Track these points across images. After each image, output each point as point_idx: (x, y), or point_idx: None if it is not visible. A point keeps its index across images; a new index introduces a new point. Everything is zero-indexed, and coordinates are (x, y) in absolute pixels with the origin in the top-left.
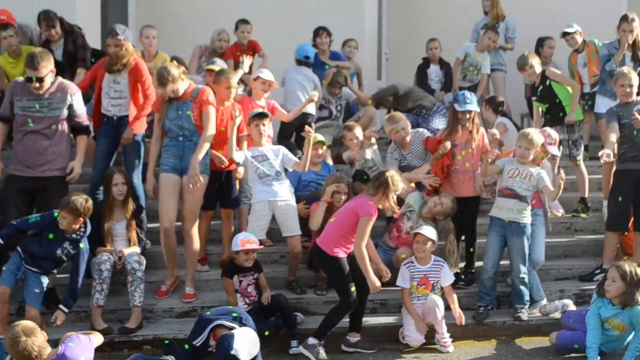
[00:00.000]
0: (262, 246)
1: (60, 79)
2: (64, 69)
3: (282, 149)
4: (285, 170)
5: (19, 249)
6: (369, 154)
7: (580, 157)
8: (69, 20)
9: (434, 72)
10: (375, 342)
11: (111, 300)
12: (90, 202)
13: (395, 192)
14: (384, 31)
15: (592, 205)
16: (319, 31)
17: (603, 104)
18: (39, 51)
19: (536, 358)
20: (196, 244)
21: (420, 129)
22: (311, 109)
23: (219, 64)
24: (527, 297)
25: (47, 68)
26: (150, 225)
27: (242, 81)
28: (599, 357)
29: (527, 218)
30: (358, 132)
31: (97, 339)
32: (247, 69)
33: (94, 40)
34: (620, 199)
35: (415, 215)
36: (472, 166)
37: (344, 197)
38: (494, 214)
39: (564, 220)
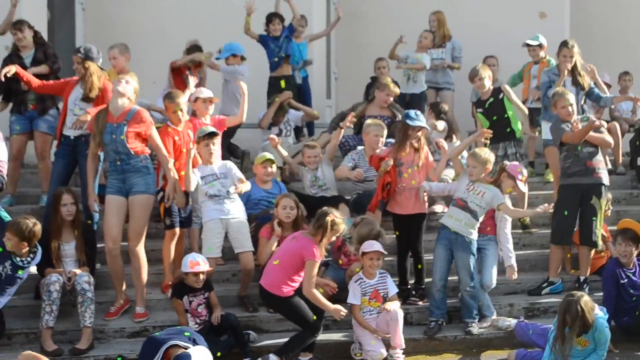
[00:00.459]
0: (211, 268)
1: None
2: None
3: (230, 165)
4: None
5: None
6: (320, 171)
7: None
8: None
9: None
10: (327, 359)
11: (61, 321)
12: (39, 226)
13: (335, 235)
14: (332, 51)
15: (540, 220)
16: (272, 18)
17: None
18: None
19: None
20: (143, 263)
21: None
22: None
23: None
24: (476, 311)
25: None
26: (100, 245)
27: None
28: None
29: (473, 235)
30: (317, 151)
31: None
32: (193, 89)
33: None
34: (565, 213)
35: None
36: (418, 183)
37: (291, 212)
38: (443, 221)
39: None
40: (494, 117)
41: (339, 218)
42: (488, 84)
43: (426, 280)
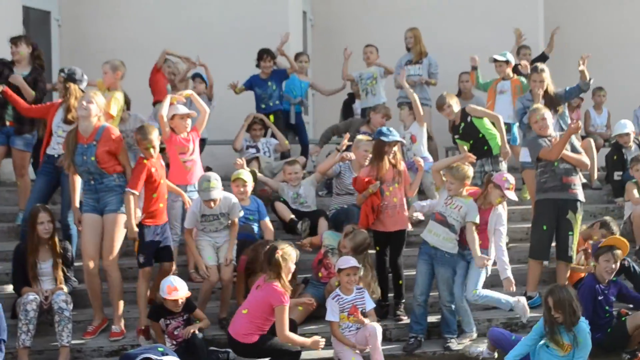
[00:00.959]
0: (189, 293)
1: None
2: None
3: (234, 202)
4: None
5: None
6: (302, 189)
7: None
8: None
9: (360, 107)
10: None
11: (38, 340)
12: None
13: (291, 264)
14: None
15: (517, 235)
16: (263, 54)
17: (527, 154)
18: None
19: None
20: (119, 281)
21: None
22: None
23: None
24: (455, 326)
25: None
26: (78, 263)
27: None
28: None
29: (453, 249)
30: (297, 168)
31: None
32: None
33: None
34: (544, 227)
35: (336, 250)
36: (400, 200)
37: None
38: (423, 235)
39: None
40: (471, 141)
41: (287, 248)
42: (457, 109)
43: (407, 295)
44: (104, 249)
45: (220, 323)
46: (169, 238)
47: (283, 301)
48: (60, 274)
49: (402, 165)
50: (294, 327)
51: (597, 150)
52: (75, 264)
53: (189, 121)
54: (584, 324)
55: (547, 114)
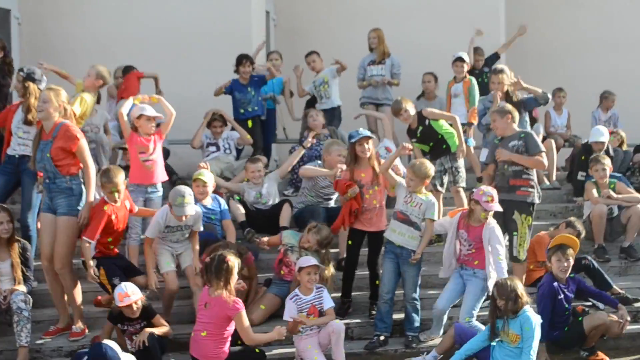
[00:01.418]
0: (142, 297)
1: None
2: None
3: (199, 215)
4: None
5: None
6: (265, 187)
7: (462, 184)
8: None
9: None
10: None
11: None
12: None
13: (235, 271)
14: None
15: None
16: (242, 60)
17: (485, 154)
18: None
19: None
20: (73, 284)
21: None
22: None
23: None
24: (418, 324)
25: None
26: (38, 263)
27: None
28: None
29: (415, 245)
30: (260, 165)
31: None
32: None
33: None
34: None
35: (296, 248)
36: (379, 202)
37: None
38: (387, 235)
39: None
40: (431, 143)
41: (231, 256)
42: (413, 112)
43: None
44: (54, 252)
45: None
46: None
47: (238, 308)
48: (20, 274)
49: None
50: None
51: (558, 150)
52: (36, 263)
53: (154, 124)
54: (529, 314)
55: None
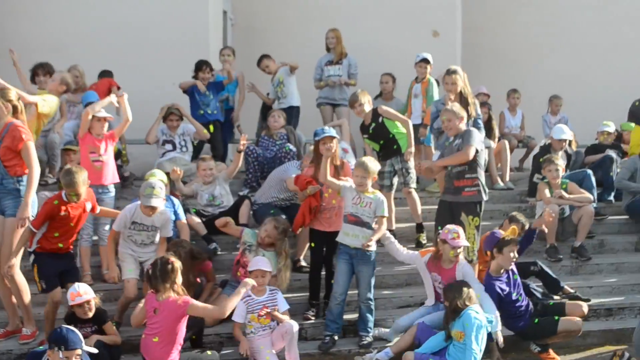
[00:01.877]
0: (96, 298)
1: None
2: None
3: (168, 218)
4: None
5: None
6: (218, 189)
7: (413, 185)
8: None
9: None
10: None
11: None
12: None
13: (178, 280)
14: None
15: (429, 234)
16: (202, 65)
17: (437, 156)
18: None
19: None
20: (21, 286)
21: None
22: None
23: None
24: (371, 324)
25: None
26: None
27: None
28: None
29: (372, 247)
30: (211, 163)
31: None
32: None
33: None
34: (439, 228)
35: (254, 247)
36: (338, 202)
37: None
38: (340, 239)
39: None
40: (381, 141)
41: (174, 258)
42: (368, 109)
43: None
44: (2, 254)
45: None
46: (75, 267)
47: (187, 301)
48: None
49: (344, 166)
50: (200, 329)
51: (511, 151)
52: None
53: (106, 125)
54: (471, 312)
55: (453, 114)
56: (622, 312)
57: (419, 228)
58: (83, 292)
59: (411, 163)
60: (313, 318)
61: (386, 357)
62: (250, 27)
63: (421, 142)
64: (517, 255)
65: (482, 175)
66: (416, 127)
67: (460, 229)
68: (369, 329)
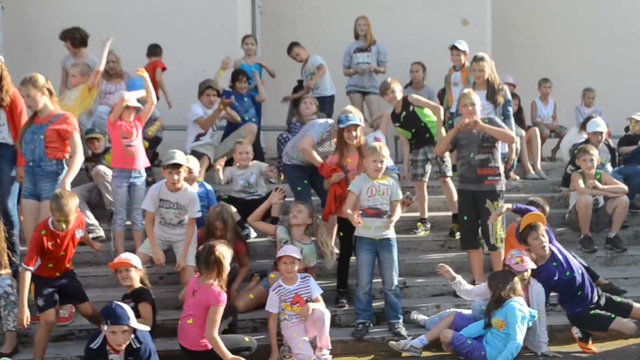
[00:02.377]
0: (139, 270)
1: None
2: None
3: (193, 198)
4: None
5: None
6: (253, 177)
7: (449, 173)
8: None
9: None
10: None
11: None
12: None
13: (227, 264)
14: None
15: None
16: (238, 75)
17: None
18: None
19: None
20: None
21: None
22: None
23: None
24: (400, 310)
25: None
26: (23, 248)
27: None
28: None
29: (392, 232)
30: (248, 148)
31: None
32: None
33: None
34: (465, 217)
35: (289, 242)
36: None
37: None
38: (362, 234)
39: (438, 239)
40: (413, 129)
41: (222, 247)
42: (399, 96)
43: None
44: None
45: None
46: (75, 284)
47: (219, 301)
48: (5, 258)
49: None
50: (235, 315)
51: (543, 141)
52: (21, 248)
53: (134, 113)
54: (515, 304)
55: (477, 100)
56: None
57: (455, 217)
58: (126, 257)
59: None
60: (347, 305)
61: (421, 344)
62: (279, 14)
63: None
64: (545, 238)
65: (501, 165)
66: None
67: (523, 252)
68: (400, 316)
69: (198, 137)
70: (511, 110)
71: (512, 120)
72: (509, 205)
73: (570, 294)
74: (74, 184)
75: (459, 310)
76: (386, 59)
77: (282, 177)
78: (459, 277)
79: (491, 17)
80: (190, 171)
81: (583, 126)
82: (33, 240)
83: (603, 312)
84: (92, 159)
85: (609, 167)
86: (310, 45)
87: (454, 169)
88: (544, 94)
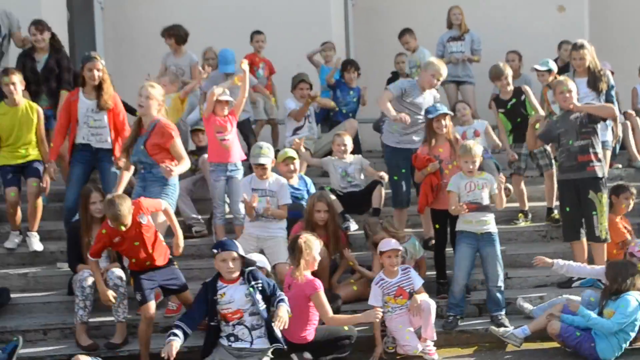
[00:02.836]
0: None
1: None
2: (39, 82)
3: (282, 183)
4: None
5: None
6: (351, 167)
7: (553, 167)
8: None
9: None
10: (360, 352)
11: (95, 316)
12: None
13: (312, 250)
14: (351, 46)
15: None
16: (347, 66)
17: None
18: None
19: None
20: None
21: None
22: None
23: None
24: (504, 304)
25: None
26: None
27: None
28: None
29: (494, 226)
30: (347, 139)
31: None
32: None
33: None
34: (567, 209)
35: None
36: None
37: (323, 215)
38: (464, 228)
39: (539, 229)
40: (518, 119)
41: (309, 236)
42: (512, 83)
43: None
44: None
45: None
46: (176, 278)
47: (316, 287)
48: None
49: (459, 142)
50: (337, 303)
51: None
52: None
53: (227, 107)
54: (630, 298)
55: (574, 86)
56: None
57: (550, 211)
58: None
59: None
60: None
61: (522, 335)
62: (371, 8)
63: None
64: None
65: (601, 150)
66: None
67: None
68: (503, 308)
69: (295, 131)
70: (614, 95)
71: (617, 105)
72: None
73: None
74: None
75: (571, 297)
76: (480, 47)
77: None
78: (555, 261)
79: (588, 1)
80: (293, 161)
81: None
82: (96, 237)
83: None
84: (196, 152)
85: None
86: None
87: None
88: None
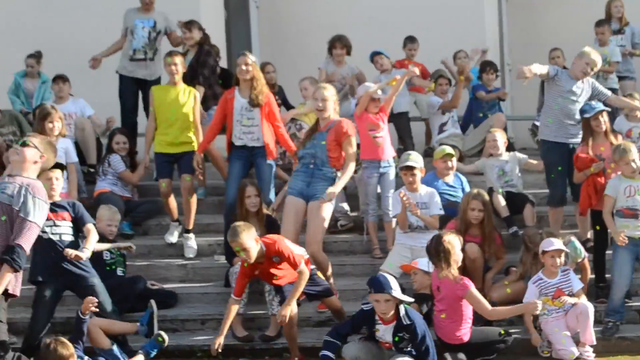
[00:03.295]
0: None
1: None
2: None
3: (432, 193)
4: None
5: None
6: (508, 164)
7: None
8: None
9: None
10: (513, 355)
11: (250, 308)
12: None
13: (458, 249)
14: (505, 41)
15: None
16: (486, 67)
17: None
18: None
19: None
20: (326, 264)
21: None
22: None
23: None
24: None
25: None
26: None
27: None
28: None
29: None
30: (499, 135)
31: None
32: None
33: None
34: None
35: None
36: None
37: (477, 214)
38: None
39: None
40: None
41: (450, 236)
42: None
43: None
44: (309, 234)
45: None
46: (316, 285)
47: (467, 286)
48: None
49: (619, 138)
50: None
51: None
52: None
53: (378, 104)
54: None
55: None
56: None
57: None
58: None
59: None
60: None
61: None
62: (528, 3)
63: None
64: None
65: None
66: None
67: None
68: None
69: (441, 129)
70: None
71: None
72: None
73: None
74: None
75: None
76: None
77: None
78: None
79: None
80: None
81: None
82: (239, 272)
83: None
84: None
85: None
86: (560, 28)
87: None
88: None
